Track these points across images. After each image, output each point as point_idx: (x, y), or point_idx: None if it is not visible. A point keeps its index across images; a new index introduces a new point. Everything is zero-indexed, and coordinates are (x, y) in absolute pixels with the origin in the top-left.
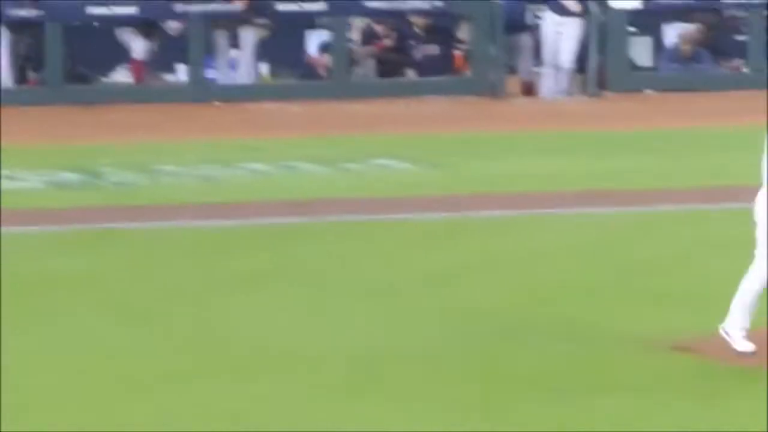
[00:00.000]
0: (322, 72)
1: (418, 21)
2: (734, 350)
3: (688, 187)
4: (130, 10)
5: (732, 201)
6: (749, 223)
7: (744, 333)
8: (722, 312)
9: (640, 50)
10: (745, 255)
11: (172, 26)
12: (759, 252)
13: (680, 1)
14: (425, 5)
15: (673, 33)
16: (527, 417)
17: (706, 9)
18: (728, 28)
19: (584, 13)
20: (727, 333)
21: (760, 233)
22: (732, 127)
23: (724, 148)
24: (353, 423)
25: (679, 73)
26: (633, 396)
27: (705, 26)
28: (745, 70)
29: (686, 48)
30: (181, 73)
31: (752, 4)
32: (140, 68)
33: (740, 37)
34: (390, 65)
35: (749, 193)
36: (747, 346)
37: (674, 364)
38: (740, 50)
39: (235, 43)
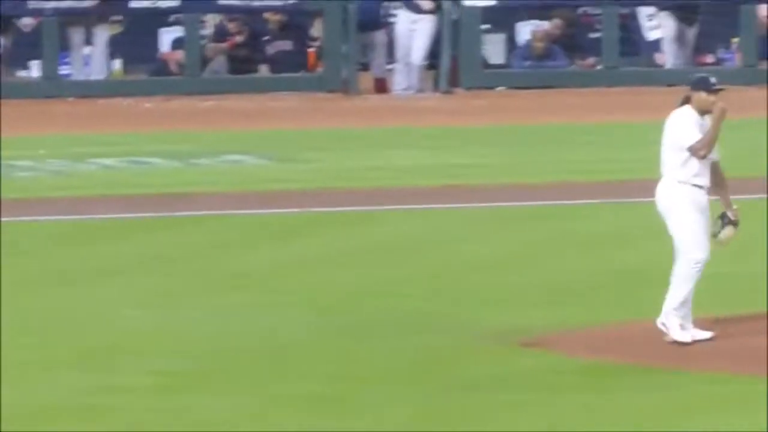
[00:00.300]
0: (174, 68)
1: (271, 18)
2: (672, 340)
3: (540, 183)
4: None
5: (583, 197)
6: (599, 219)
7: (680, 323)
8: (572, 307)
9: (493, 47)
10: (596, 250)
11: (26, 23)
12: (679, 243)
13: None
14: (278, 2)
15: (526, 30)
16: (375, 412)
17: (560, 6)
18: (582, 25)
19: (437, 11)
20: (663, 324)
21: (673, 224)
22: (584, 123)
23: (576, 144)
24: (179, 420)
25: (531, 71)
26: (482, 390)
27: (559, 24)
28: (599, 67)
29: (539, 45)
30: (35, 69)
31: (606, 2)
32: None
33: (594, 35)
34: (242, 62)
35: (601, 188)
36: (684, 336)
37: (523, 359)
38: (594, 47)
39: (89, 40)
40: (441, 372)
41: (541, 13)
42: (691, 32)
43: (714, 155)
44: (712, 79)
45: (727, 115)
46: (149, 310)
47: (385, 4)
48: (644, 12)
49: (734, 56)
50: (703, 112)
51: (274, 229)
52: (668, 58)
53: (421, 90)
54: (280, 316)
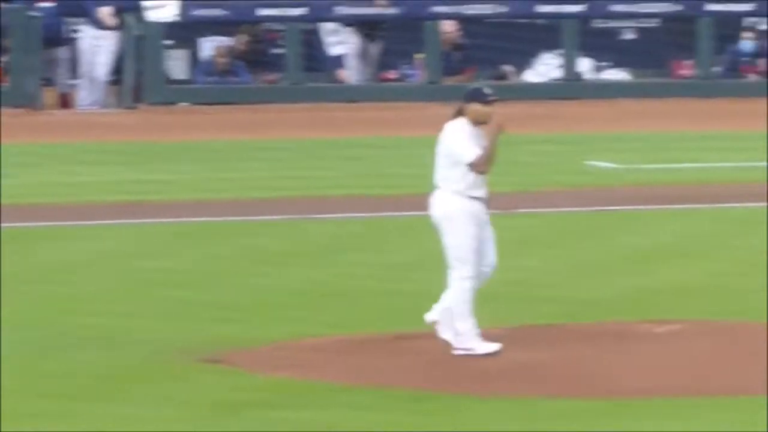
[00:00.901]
0: None
1: None
2: (481, 355)
3: (222, 199)
4: None
5: (265, 213)
6: (280, 235)
7: (479, 336)
8: (251, 323)
9: (177, 63)
10: (279, 266)
11: None
12: (452, 257)
13: (218, 14)
14: None
15: (209, 46)
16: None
17: (244, 22)
18: (266, 41)
19: (121, 27)
20: (465, 349)
21: (446, 237)
22: (264, 140)
23: (258, 160)
24: None
25: (214, 86)
26: (159, 405)
27: (242, 39)
28: (282, 83)
29: (222, 61)
30: None
31: (289, 17)
32: None
33: (278, 50)
34: None
35: (283, 205)
36: (490, 347)
37: (203, 375)
38: (278, 63)
39: None
40: (119, 387)
41: (224, 29)
42: (375, 48)
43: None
44: (487, 91)
45: (505, 128)
46: None
47: (69, 20)
48: (327, 28)
49: (417, 73)
50: (477, 123)
51: None
52: (351, 74)
53: (105, 105)
54: None
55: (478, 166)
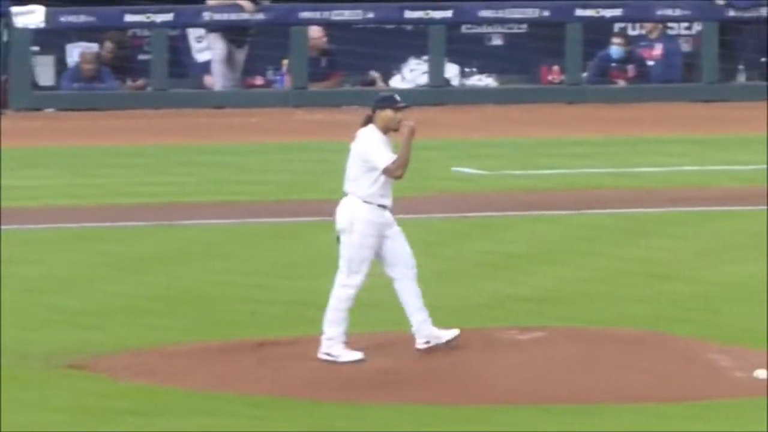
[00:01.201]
0: None
1: None
2: (343, 363)
3: (90, 204)
4: None
5: (129, 219)
6: (146, 241)
7: (344, 344)
8: (117, 330)
9: (43, 69)
10: (142, 273)
11: None
12: (346, 264)
13: (85, 20)
14: None
15: (76, 52)
16: None
17: (111, 28)
18: (132, 47)
19: None
20: (330, 355)
21: (346, 243)
22: (143, 146)
23: (124, 167)
24: None
25: (81, 92)
26: (21, 411)
27: (109, 46)
28: (149, 89)
29: (88, 67)
30: None
31: (156, 24)
32: None
33: (144, 56)
34: None
35: (148, 211)
36: (354, 355)
37: (66, 381)
38: (144, 69)
39: None
40: None
41: (90, 35)
42: (241, 54)
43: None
44: (398, 97)
45: (416, 132)
46: None
47: None
48: (194, 34)
49: (284, 78)
50: (387, 129)
51: None
52: (217, 79)
53: None
54: None
55: (395, 171)
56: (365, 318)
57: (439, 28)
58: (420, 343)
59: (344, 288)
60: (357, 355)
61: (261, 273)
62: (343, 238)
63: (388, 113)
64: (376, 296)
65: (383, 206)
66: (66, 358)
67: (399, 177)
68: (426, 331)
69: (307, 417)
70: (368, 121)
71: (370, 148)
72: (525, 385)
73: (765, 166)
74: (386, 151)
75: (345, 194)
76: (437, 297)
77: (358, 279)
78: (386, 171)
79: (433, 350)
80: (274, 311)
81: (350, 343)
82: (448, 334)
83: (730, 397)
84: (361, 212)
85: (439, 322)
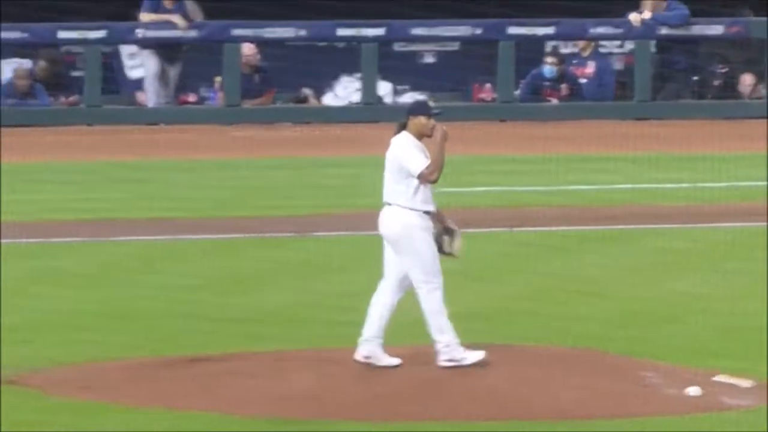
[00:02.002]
0: None
1: None
2: (470, 365)
3: (23, 221)
4: None
5: (70, 235)
6: (85, 258)
7: (460, 345)
8: (55, 344)
9: None
10: (85, 288)
11: None
12: (416, 272)
13: (18, 36)
14: None
15: (9, 68)
16: None
17: (44, 45)
18: (65, 63)
19: None
20: (452, 360)
21: (407, 254)
22: (76, 162)
23: (57, 183)
24: None
25: (14, 108)
26: None
27: (42, 63)
28: (81, 105)
29: (22, 83)
30: None
31: (89, 40)
32: None
33: (77, 73)
34: None
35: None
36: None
37: (2, 396)
38: (77, 86)
39: None
40: None
41: (24, 51)
42: (174, 71)
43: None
44: (431, 104)
45: (449, 137)
46: None
47: None
48: (127, 50)
49: (216, 95)
50: (421, 136)
51: None
52: (150, 96)
53: None
54: None
55: (430, 175)
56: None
57: (371, 45)
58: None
59: (432, 293)
60: (479, 355)
61: (193, 289)
62: (396, 248)
63: (421, 120)
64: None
65: (428, 212)
66: None
67: (435, 181)
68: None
69: None
70: (402, 128)
71: (404, 154)
72: (457, 402)
73: (696, 185)
74: (421, 157)
75: (387, 204)
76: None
77: (440, 277)
78: (421, 176)
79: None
80: (207, 327)
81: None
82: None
83: (662, 414)
84: (410, 220)
85: None
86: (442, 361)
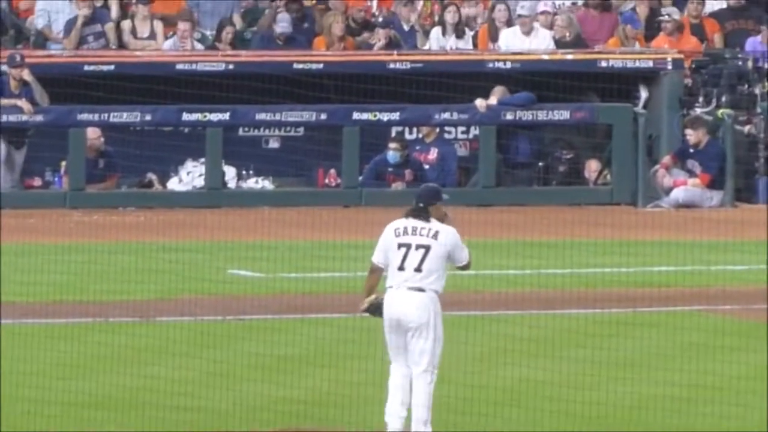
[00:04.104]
0: None
1: None
2: None
3: None
4: None
5: None
6: None
7: None
8: None
9: None
10: None
11: None
12: (432, 356)
13: None
14: None
15: None
16: None
17: None
18: None
19: None
20: None
21: (430, 338)
22: None
23: None
24: None
25: None
26: None
27: None
28: None
29: None
30: None
31: None
32: None
33: None
34: None
35: None
36: None
37: None
38: None
39: None
40: None
41: None
42: (20, 155)
43: None
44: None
45: None
46: None
47: None
48: None
49: (62, 179)
50: (441, 222)
51: None
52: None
53: None
54: None
55: (469, 265)
56: None
57: (216, 130)
58: None
59: (433, 381)
60: None
61: (37, 373)
62: (418, 334)
63: (440, 207)
64: None
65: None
66: None
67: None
68: None
69: None
70: (425, 213)
71: (457, 243)
72: None
73: (540, 271)
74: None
75: (417, 290)
76: (208, 399)
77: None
78: (468, 265)
79: None
80: (52, 411)
81: None
82: None
83: None
84: (438, 307)
85: (210, 425)
86: None
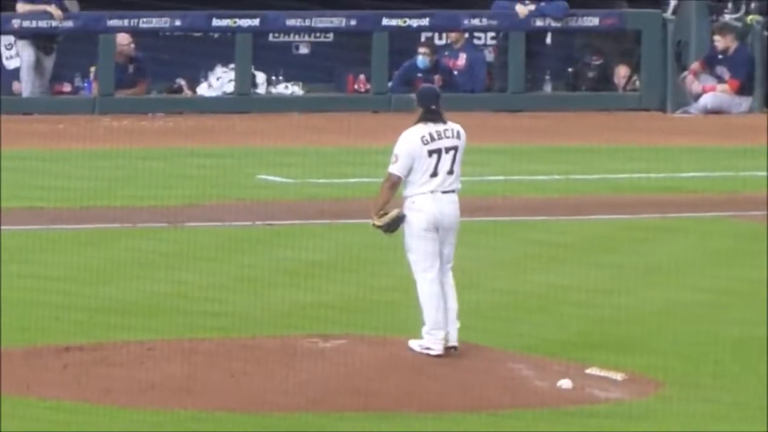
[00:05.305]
0: None
1: None
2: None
3: None
4: None
5: None
6: None
7: None
8: None
9: None
10: None
11: None
12: (451, 256)
13: None
14: None
15: None
16: None
17: None
18: None
19: None
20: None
21: (455, 239)
22: None
23: None
24: None
25: None
26: None
27: None
28: None
29: None
30: None
31: None
32: None
33: None
34: None
35: None
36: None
37: None
38: None
39: None
40: None
41: None
42: (50, 61)
43: None
44: None
45: None
46: None
47: None
48: (3, 41)
49: (91, 84)
50: None
51: None
52: (25, 86)
53: None
54: None
55: None
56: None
57: (245, 36)
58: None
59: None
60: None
61: (65, 279)
62: (449, 236)
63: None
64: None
65: None
66: None
67: None
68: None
69: (109, 422)
70: (441, 115)
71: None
72: (326, 393)
73: (567, 177)
74: None
75: (449, 192)
76: (237, 305)
77: None
78: None
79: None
80: (78, 317)
81: None
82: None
83: (532, 406)
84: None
85: (239, 330)
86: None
